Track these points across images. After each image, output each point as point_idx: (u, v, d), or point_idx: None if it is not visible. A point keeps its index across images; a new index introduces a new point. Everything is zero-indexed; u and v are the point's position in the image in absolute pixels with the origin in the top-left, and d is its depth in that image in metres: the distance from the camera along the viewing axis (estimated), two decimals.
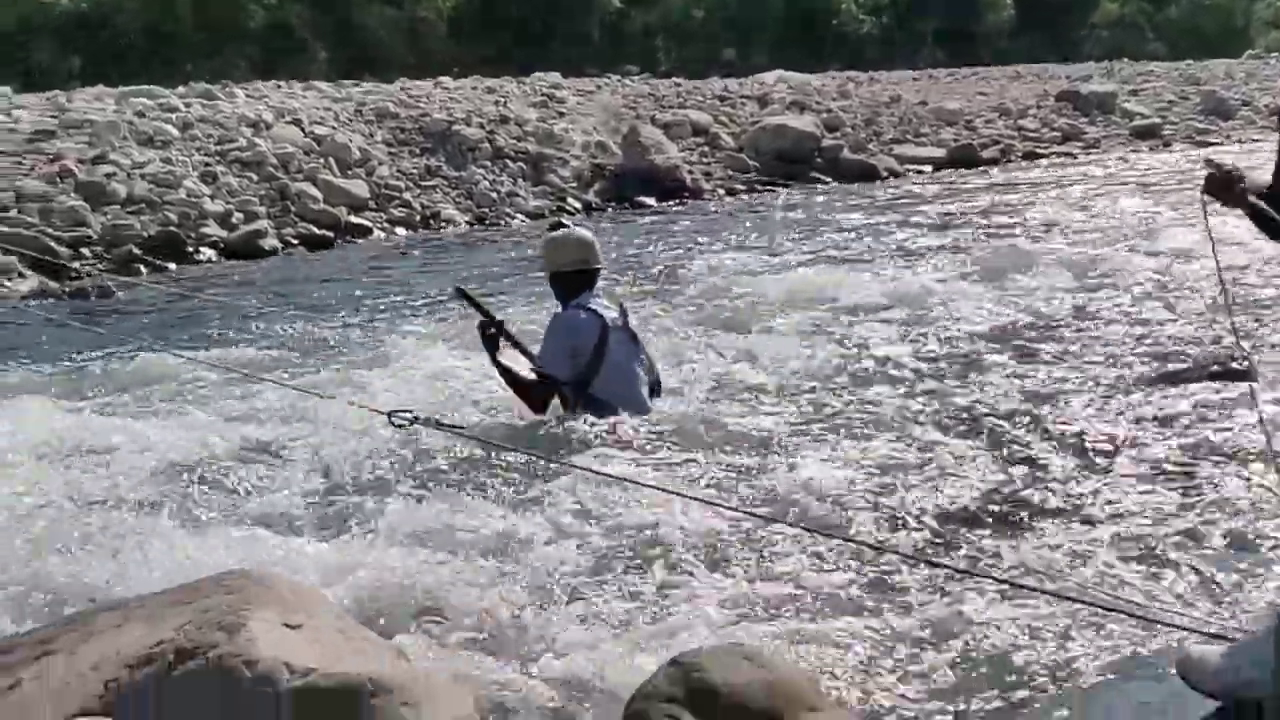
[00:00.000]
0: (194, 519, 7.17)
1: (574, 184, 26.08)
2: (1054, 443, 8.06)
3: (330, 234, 21.64)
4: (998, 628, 5.50)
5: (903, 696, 5.00)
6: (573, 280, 8.73)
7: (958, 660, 5.27)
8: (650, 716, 3.51)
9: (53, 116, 23.74)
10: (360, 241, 21.77)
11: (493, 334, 8.67)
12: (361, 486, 7.70)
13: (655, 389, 8.92)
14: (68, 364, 11.97)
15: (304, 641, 3.87)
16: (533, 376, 8.56)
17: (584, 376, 8.50)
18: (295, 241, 21.17)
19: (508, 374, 8.62)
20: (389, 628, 5.59)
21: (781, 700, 3.50)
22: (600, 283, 8.89)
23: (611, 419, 8.38)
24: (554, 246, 8.91)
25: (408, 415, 7.15)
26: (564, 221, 9.40)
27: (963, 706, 4.92)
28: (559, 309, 8.80)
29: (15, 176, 20.38)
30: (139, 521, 6.99)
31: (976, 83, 47.04)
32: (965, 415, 8.72)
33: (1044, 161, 31.37)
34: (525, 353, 8.71)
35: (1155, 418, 8.48)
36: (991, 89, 43.61)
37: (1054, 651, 5.30)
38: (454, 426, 8.06)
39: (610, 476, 6.77)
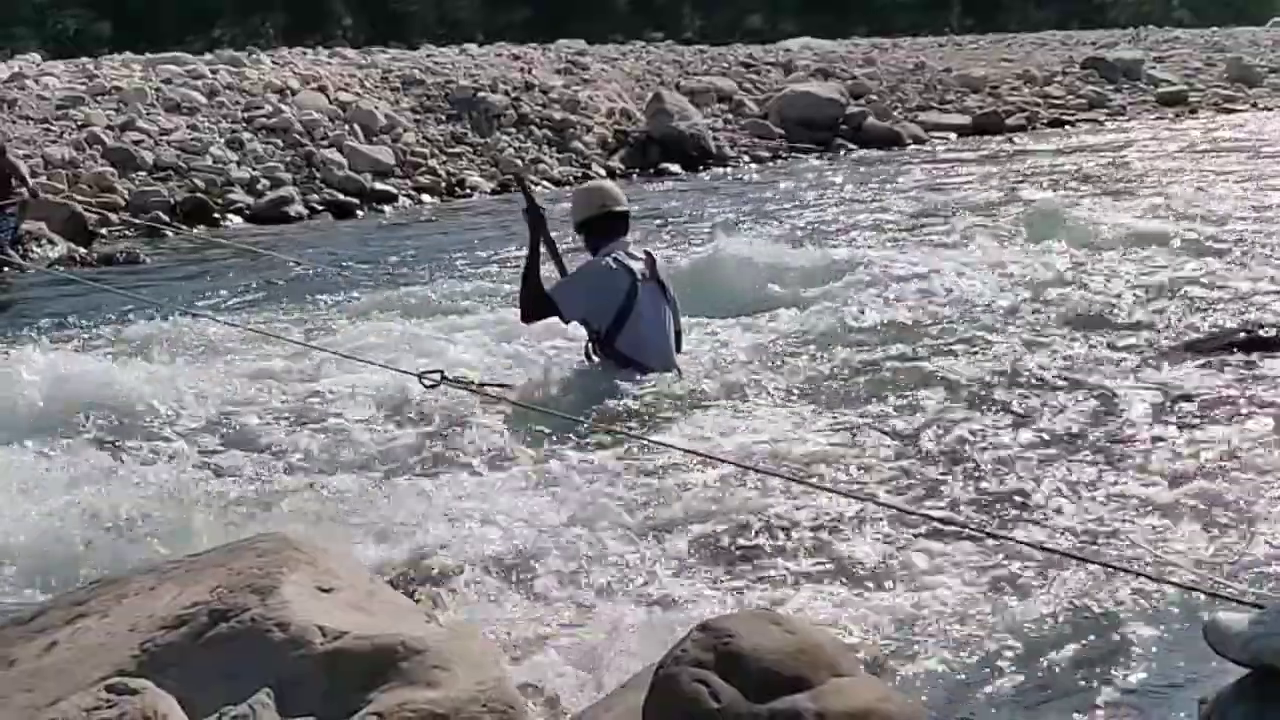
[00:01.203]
0: (225, 482, 7.21)
1: (598, 151, 26.09)
2: (1089, 408, 8.04)
3: (355, 201, 21.72)
4: (1029, 594, 5.50)
5: (933, 662, 5.01)
6: (600, 226, 8.63)
7: (987, 625, 5.27)
8: (680, 681, 3.51)
9: (81, 83, 23.78)
10: (386, 209, 21.82)
11: (540, 218, 8.65)
12: (391, 448, 7.73)
13: (677, 340, 8.85)
14: (96, 327, 12.03)
15: (336, 605, 3.89)
16: (543, 289, 8.48)
17: (610, 330, 8.43)
18: (321, 208, 21.27)
19: (532, 262, 8.57)
20: (418, 590, 5.62)
21: (810, 665, 3.51)
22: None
23: (637, 376, 8.36)
24: (578, 197, 8.97)
25: (435, 375, 7.20)
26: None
27: (993, 672, 4.93)
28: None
29: (44, 143, 20.44)
30: (170, 483, 7.04)
31: (1002, 49, 46.85)
32: (1001, 379, 8.67)
33: (1069, 128, 31.19)
34: (558, 262, 8.82)
35: (1198, 383, 8.45)
36: (1017, 56, 43.44)
37: (1086, 618, 5.29)
38: (481, 386, 8.11)
39: (643, 439, 6.81)
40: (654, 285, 8.56)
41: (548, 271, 8.67)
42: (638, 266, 8.50)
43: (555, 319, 8.65)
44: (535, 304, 8.52)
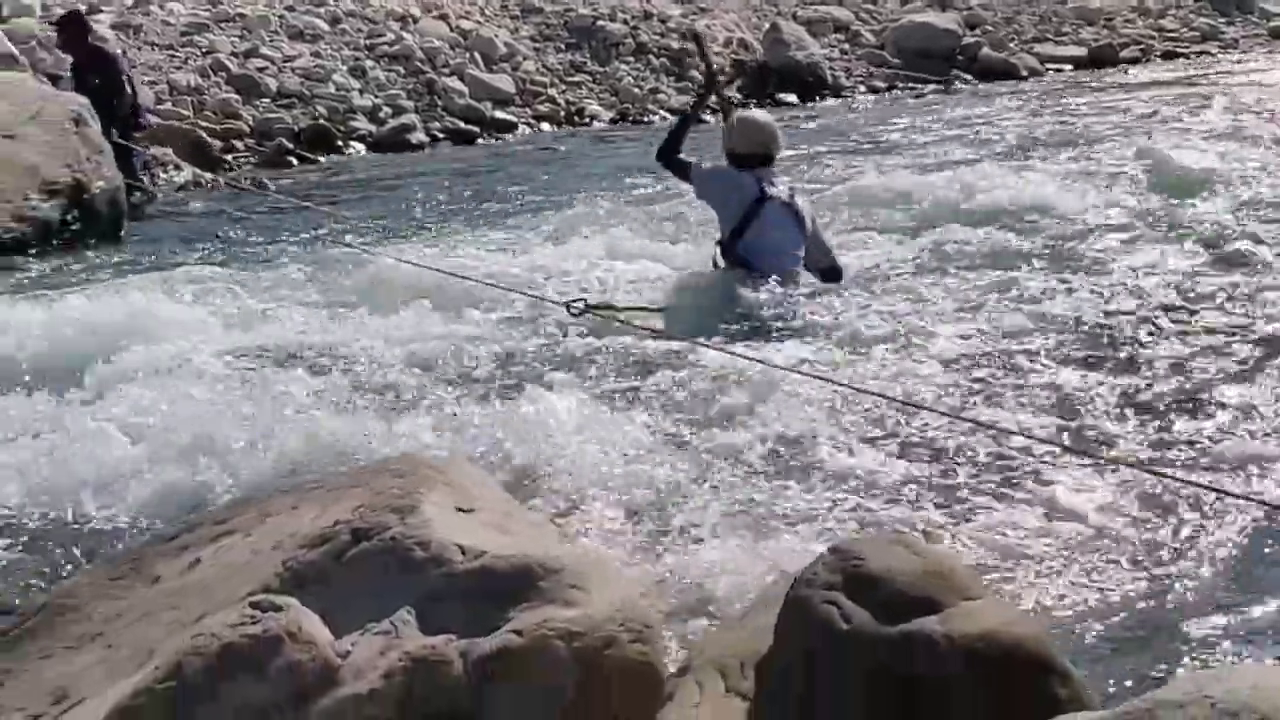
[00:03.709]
0: (363, 404, 7.34)
1: (721, 79, 25.95)
2: (1202, 342, 8.00)
3: (476, 129, 21.74)
4: (1154, 521, 5.52)
5: (1059, 586, 5.04)
6: (746, 162, 8.99)
7: (1111, 551, 5.30)
8: (811, 602, 3.55)
9: (206, 10, 23.95)
10: (506, 137, 21.83)
11: (710, 84, 9.80)
12: (531, 374, 7.85)
13: (834, 274, 9.20)
14: (233, 253, 12.24)
15: (475, 524, 3.95)
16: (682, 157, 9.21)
17: (734, 233, 8.82)
18: (442, 136, 21.32)
19: (693, 116, 9.54)
20: (551, 511, 5.71)
21: (939, 588, 3.52)
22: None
23: (767, 289, 8.60)
24: (743, 127, 9.20)
25: (580, 304, 7.36)
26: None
27: (1117, 597, 4.96)
28: None
29: (169, 70, 20.65)
30: (310, 407, 7.16)
31: None
32: (1121, 314, 8.63)
33: (1183, 60, 30.60)
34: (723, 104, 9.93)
35: None
36: None
37: (1207, 544, 5.32)
38: (624, 310, 8.24)
39: (775, 366, 6.81)
40: (786, 210, 8.84)
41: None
42: (772, 190, 8.85)
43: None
44: (675, 161, 9.26)
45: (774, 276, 8.69)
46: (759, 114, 9.67)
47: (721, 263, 8.94)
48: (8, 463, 6.71)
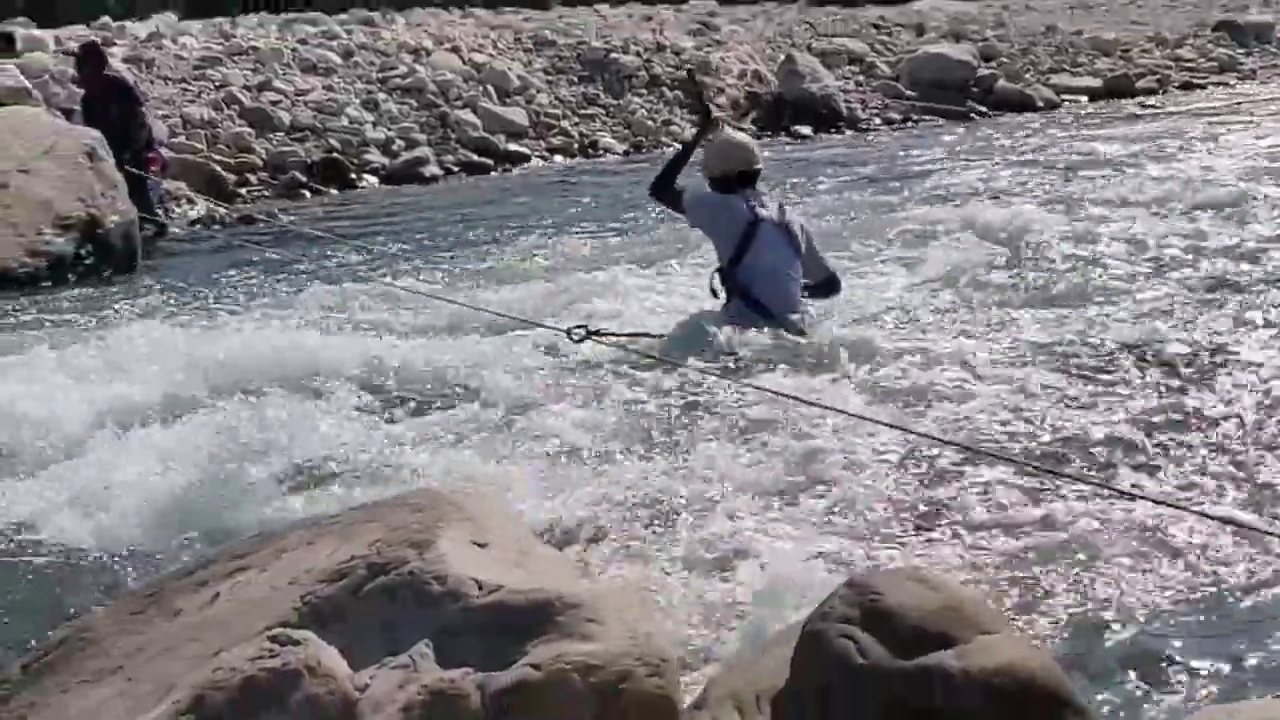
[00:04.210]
0: (377, 437, 7.36)
1: (730, 112, 25.96)
2: (1224, 375, 8.01)
3: (489, 162, 21.82)
4: (1172, 555, 5.53)
5: (1074, 619, 5.05)
6: (730, 184, 9.13)
7: (1126, 585, 5.30)
8: (827, 636, 3.57)
9: (218, 43, 24.07)
10: (518, 169, 21.89)
11: (705, 122, 9.67)
12: (539, 403, 7.89)
13: (831, 286, 9.33)
14: (242, 286, 12.28)
15: (491, 559, 3.98)
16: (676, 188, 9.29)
17: (732, 260, 8.89)
18: (455, 169, 21.38)
19: (687, 152, 9.46)
20: (568, 544, 5.73)
21: (956, 622, 3.54)
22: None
23: (772, 326, 8.63)
24: (721, 149, 9.36)
25: (580, 330, 7.46)
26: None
27: (1132, 631, 4.96)
28: None
29: (182, 103, 20.74)
30: (325, 439, 7.19)
31: (1133, 11, 46.02)
32: (1142, 345, 8.63)
33: (1200, 91, 30.59)
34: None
35: None
36: (1147, 18, 42.67)
37: (1223, 577, 5.32)
38: (626, 337, 8.31)
39: (790, 397, 6.82)
40: (779, 230, 8.93)
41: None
42: (763, 212, 8.94)
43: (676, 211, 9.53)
44: (669, 192, 9.33)
45: (772, 305, 8.75)
46: (734, 133, 9.92)
47: (720, 289, 9.00)
48: (26, 496, 6.75)
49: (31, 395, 8.10)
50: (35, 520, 6.49)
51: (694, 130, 9.81)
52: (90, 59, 16.45)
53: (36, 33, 22.62)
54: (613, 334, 8.61)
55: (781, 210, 9.15)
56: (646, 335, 8.83)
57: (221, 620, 4.05)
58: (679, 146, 9.96)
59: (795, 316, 8.79)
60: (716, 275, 9.02)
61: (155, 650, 4.02)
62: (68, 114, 16.88)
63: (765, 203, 9.09)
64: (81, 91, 16.56)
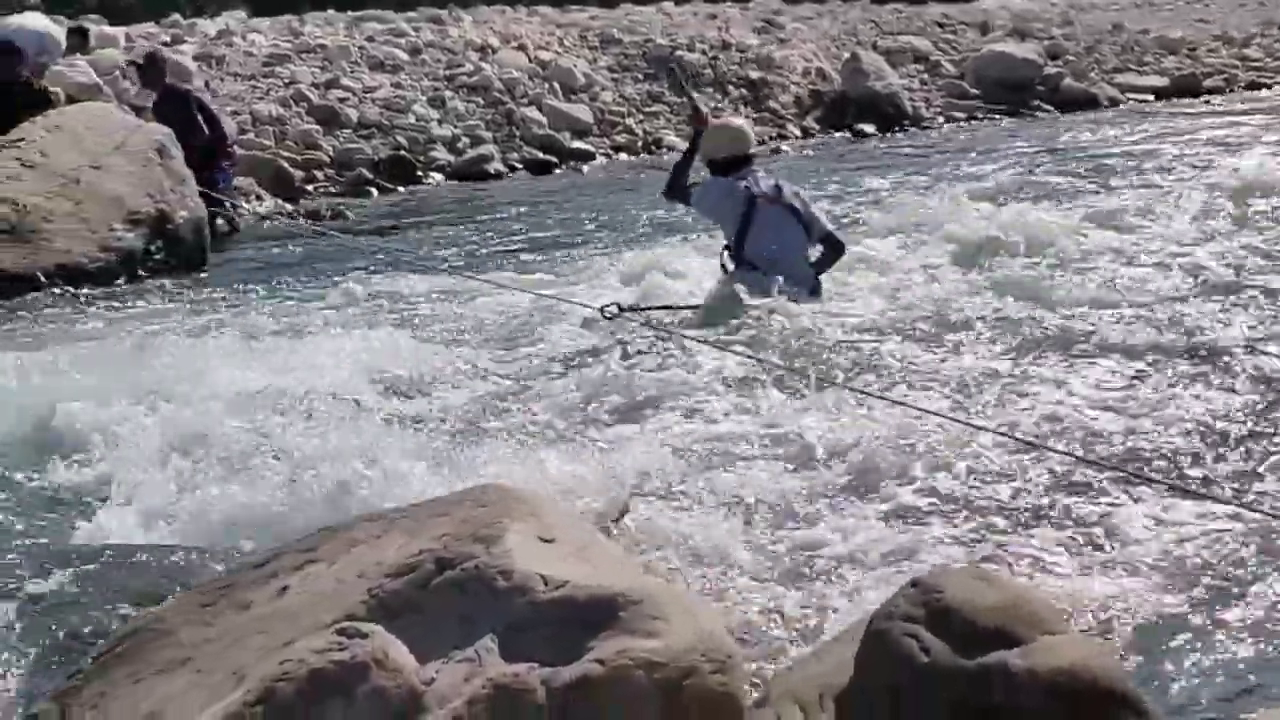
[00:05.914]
0: (444, 431, 7.40)
1: (794, 110, 25.96)
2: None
3: (554, 159, 21.88)
4: (1238, 557, 5.51)
5: (1137, 620, 5.04)
6: (727, 167, 9.80)
7: (1190, 587, 5.29)
8: (891, 635, 3.59)
9: (287, 41, 24.20)
10: (584, 167, 21.93)
11: (699, 128, 10.21)
12: (598, 394, 7.96)
13: (833, 246, 9.90)
14: (310, 283, 12.38)
15: (557, 554, 4.00)
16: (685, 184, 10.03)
17: (738, 238, 9.53)
18: (519, 166, 21.46)
19: (688, 158, 10.17)
20: (630, 543, 5.75)
21: (1019, 622, 3.55)
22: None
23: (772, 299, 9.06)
24: (719, 134, 10.06)
25: (613, 307, 7.70)
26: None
27: (1196, 634, 4.95)
28: None
29: (251, 100, 20.88)
30: (389, 434, 7.23)
31: (1200, 9, 45.64)
32: (1206, 343, 8.57)
33: (1268, 91, 30.27)
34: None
35: None
36: (1214, 16, 42.30)
37: None
38: (660, 309, 8.52)
39: (854, 390, 6.85)
40: (778, 204, 9.55)
41: None
42: (759, 190, 9.58)
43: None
44: (680, 191, 10.03)
45: (782, 277, 9.23)
46: (727, 118, 10.48)
47: (730, 265, 9.57)
48: (99, 488, 6.84)
49: (101, 390, 8.17)
50: (109, 515, 6.55)
51: (692, 134, 10.39)
52: (150, 70, 16.69)
53: (108, 29, 22.82)
54: (645, 308, 9.14)
55: (777, 186, 9.72)
56: (676, 306, 9.42)
57: (290, 612, 4.09)
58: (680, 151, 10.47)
59: (800, 283, 9.38)
60: (725, 252, 9.62)
61: (225, 642, 4.07)
62: (138, 110, 17.00)
63: (760, 181, 9.68)
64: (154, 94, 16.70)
